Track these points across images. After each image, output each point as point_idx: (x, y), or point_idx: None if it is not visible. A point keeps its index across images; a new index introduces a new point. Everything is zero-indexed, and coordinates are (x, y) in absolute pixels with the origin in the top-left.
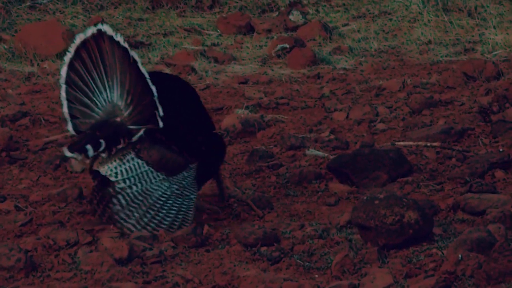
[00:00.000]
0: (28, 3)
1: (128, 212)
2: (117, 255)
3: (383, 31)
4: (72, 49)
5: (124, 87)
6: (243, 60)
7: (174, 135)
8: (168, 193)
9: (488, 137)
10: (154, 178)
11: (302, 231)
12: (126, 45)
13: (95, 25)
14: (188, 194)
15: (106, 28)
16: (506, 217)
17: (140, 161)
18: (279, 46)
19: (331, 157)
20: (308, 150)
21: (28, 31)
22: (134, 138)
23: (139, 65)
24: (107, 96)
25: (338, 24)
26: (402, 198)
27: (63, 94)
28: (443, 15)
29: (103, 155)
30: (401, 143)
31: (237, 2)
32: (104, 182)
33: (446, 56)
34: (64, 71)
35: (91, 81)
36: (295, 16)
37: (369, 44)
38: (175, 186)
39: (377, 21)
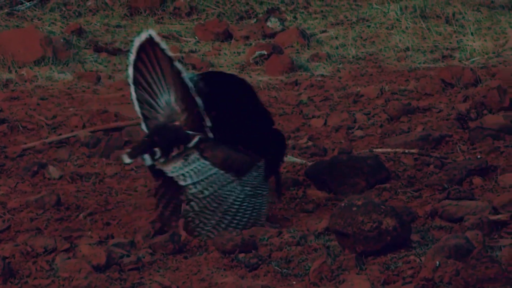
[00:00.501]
0: (6, 10)
1: (204, 220)
2: (95, 262)
3: (361, 38)
4: (133, 50)
5: (176, 93)
6: (221, 66)
7: (238, 135)
8: (242, 196)
9: (466, 144)
10: (225, 180)
11: (280, 237)
12: (170, 54)
13: (147, 29)
14: (260, 192)
15: (154, 34)
16: (483, 224)
17: (206, 162)
18: (257, 53)
19: (309, 163)
20: (286, 157)
21: (6, 37)
22: (190, 145)
23: (183, 75)
24: (167, 99)
25: (316, 31)
26: (380, 205)
27: (133, 93)
28: (421, 22)
29: (161, 160)
30: (379, 149)
31: (215, 9)
32: (168, 180)
33: (424, 63)
34: (130, 70)
35: (152, 83)
36: (273, 23)
37: (347, 51)
38: (247, 188)
39: (355, 28)
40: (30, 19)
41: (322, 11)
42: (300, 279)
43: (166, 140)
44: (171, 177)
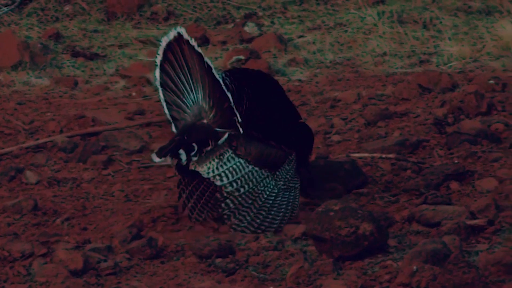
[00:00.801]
0: None
1: (240, 216)
2: (72, 266)
3: (338, 42)
4: (160, 51)
5: (205, 90)
6: None
7: (268, 130)
8: (276, 191)
9: (443, 149)
10: (260, 177)
11: (257, 242)
12: (200, 50)
13: (174, 28)
14: (293, 185)
15: (183, 32)
16: (461, 228)
17: (241, 160)
18: (234, 58)
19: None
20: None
21: None
22: (220, 142)
23: (214, 71)
24: (194, 98)
25: (293, 35)
26: (357, 209)
27: (161, 96)
28: (398, 27)
29: (194, 158)
30: (356, 154)
31: (192, 14)
32: (195, 177)
33: (401, 68)
34: (157, 73)
35: (180, 82)
36: (250, 28)
37: (324, 56)
38: (280, 182)
39: (332, 33)
40: (7, 24)
41: (299, 16)
42: (277, 284)
43: (196, 138)
44: (197, 173)
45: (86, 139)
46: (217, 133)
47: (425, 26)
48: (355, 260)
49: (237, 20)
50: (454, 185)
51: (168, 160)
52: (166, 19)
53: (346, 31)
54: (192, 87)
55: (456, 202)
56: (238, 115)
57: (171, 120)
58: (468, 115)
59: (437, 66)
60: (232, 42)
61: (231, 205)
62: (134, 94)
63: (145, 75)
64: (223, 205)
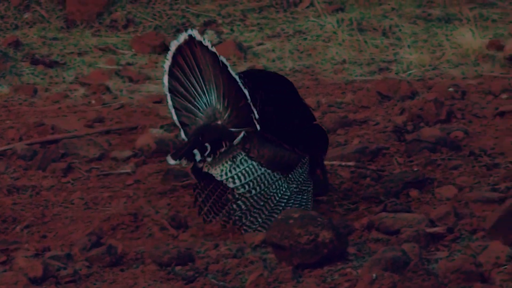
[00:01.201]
0: None
1: (251, 218)
2: (31, 274)
3: (298, 50)
4: (169, 56)
5: (219, 90)
6: (157, 79)
7: (283, 132)
8: (288, 193)
9: (402, 157)
10: (272, 180)
11: (216, 250)
12: (214, 49)
13: (186, 31)
14: (306, 188)
15: (195, 33)
16: (420, 236)
17: (254, 163)
18: None
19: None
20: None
21: None
22: (236, 141)
23: (229, 69)
24: (207, 100)
25: (253, 43)
26: (317, 217)
27: (169, 102)
28: (357, 35)
29: (208, 159)
30: None
31: (152, 22)
32: (212, 182)
33: (360, 76)
34: (166, 79)
35: (191, 86)
36: (209, 36)
37: (283, 64)
38: (293, 185)
39: (291, 41)
40: None
41: (258, 24)
42: None
43: (209, 139)
44: (211, 176)
45: (46, 146)
46: (231, 133)
47: (384, 34)
48: (315, 268)
49: (197, 28)
50: (413, 192)
51: (184, 163)
52: (125, 26)
53: (305, 38)
54: (205, 89)
55: (416, 209)
56: (255, 112)
57: (180, 126)
58: (428, 123)
59: (396, 73)
60: None
61: (243, 206)
62: (93, 101)
63: (105, 82)
64: (234, 206)
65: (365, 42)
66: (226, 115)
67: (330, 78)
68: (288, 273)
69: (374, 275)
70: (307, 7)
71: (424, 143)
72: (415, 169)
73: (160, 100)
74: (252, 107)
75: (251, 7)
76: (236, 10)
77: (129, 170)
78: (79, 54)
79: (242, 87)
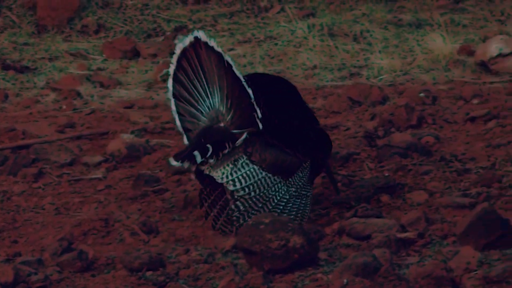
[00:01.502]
0: None
1: (248, 219)
2: (2, 279)
3: (269, 55)
4: (174, 60)
5: (223, 91)
6: (128, 84)
7: (285, 136)
8: (287, 196)
9: (373, 162)
10: (272, 183)
11: (187, 255)
12: (220, 49)
13: (192, 33)
14: (305, 192)
15: (201, 35)
16: (391, 241)
17: (255, 167)
18: (164, 71)
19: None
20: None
21: None
22: (238, 142)
23: (234, 69)
24: (210, 103)
25: (224, 48)
26: (288, 222)
27: (173, 108)
28: (328, 40)
29: (211, 161)
30: None
31: (123, 27)
32: (216, 185)
33: (331, 81)
34: (170, 83)
35: (195, 90)
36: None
37: (254, 69)
38: (292, 188)
39: (262, 46)
40: None
41: (229, 29)
42: None
43: (211, 140)
44: (214, 179)
45: (17, 152)
46: (233, 135)
47: (355, 39)
48: (286, 273)
49: (168, 33)
50: (384, 198)
51: (186, 165)
52: (96, 32)
53: (276, 44)
54: (208, 92)
55: (387, 215)
56: (258, 111)
57: (183, 132)
58: (399, 128)
59: (367, 79)
60: (163, 55)
61: (241, 207)
62: (64, 107)
63: (76, 88)
64: (233, 206)
65: (336, 47)
66: (229, 117)
67: (301, 83)
68: (259, 278)
69: (345, 280)
70: (278, 12)
71: (395, 149)
72: (386, 175)
73: (131, 106)
74: (256, 106)
75: (222, 12)
76: (207, 15)
77: (100, 176)
78: (50, 60)
79: (246, 87)
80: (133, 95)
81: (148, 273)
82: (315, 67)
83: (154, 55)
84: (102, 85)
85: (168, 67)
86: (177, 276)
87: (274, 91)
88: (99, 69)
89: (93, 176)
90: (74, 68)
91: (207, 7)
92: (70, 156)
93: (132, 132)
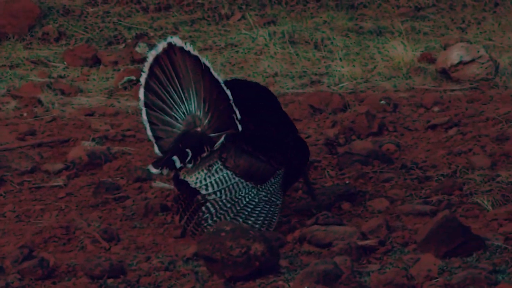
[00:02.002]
0: None
1: (217, 220)
2: None
3: (230, 63)
4: (146, 68)
5: (200, 96)
6: (89, 92)
7: (260, 143)
8: (256, 200)
9: (334, 169)
10: (244, 188)
11: (148, 263)
12: (196, 53)
13: (165, 39)
14: (275, 200)
15: (176, 40)
16: (352, 249)
17: (228, 172)
18: (125, 78)
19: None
20: (155, 182)
21: None
22: (216, 146)
23: (212, 71)
24: (186, 108)
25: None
26: (249, 230)
27: (144, 117)
28: (289, 48)
29: (189, 165)
30: None
31: (84, 34)
32: (190, 191)
33: (292, 88)
34: (141, 93)
35: (169, 97)
36: (141, 48)
37: None
38: (262, 192)
39: (223, 53)
40: None
41: (190, 37)
42: None
43: (190, 145)
44: (191, 186)
45: None
46: (211, 139)
47: (316, 47)
48: (247, 281)
49: (129, 41)
50: (345, 205)
51: (165, 172)
52: (57, 39)
53: (237, 51)
54: (183, 98)
55: (348, 222)
56: (237, 112)
57: (154, 141)
58: (359, 136)
59: (328, 86)
60: (124, 62)
61: (211, 208)
62: (25, 114)
63: (37, 95)
64: (203, 208)
65: (297, 55)
66: (206, 121)
67: None
68: (220, 286)
69: (306, 287)
70: (239, 20)
71: (356, 156)
72: (347, 182)
73: (92, 113)
74: (234, 108)
75: (183, 20)
76: (168, 22)
77: (61, 183)
78: (11, 67)
79: (224, 88)
80: (94, 103)
81: (109, 281)
82: (276, 74)
83: (115, 63)
84: (63, 92)
85: (129, 74)
86: (138, 283)
87: (252, 97)
88: (60, 76)
89: (54, 184)
90: (35, 76)
91: (168, 15)
92: (31, 163)
93: (93, 140)
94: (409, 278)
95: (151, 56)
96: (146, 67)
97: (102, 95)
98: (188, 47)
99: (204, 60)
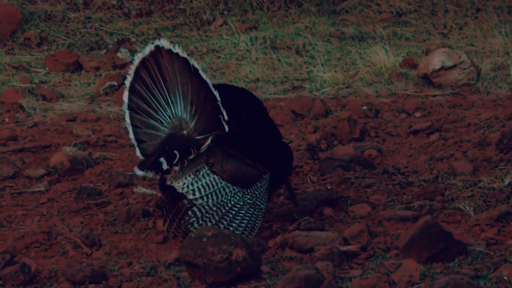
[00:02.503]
0: None
1: (202, 222)
2: None
3: (212, 68)
4: (131, 70)
5: (187, 98)
6: (71, 97)
7: (247, 147)
8: (241, 203)
9: (316, 175)
10: (230, 192)
11: (130, 268)
12: (185, 55)
13: (152, 42)
14: (259, 204)
15: (163, 42)
16: (334, 254)
17: (215, 177)
18: (107, 84)
19: (160, 195)
20: (136, 187)
21: None
22: (203, 148)
23: (200, 72)
24: (172, 112)
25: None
26: (230, 235)
27: (127, 120)
28: (271, 53)
29: (176, 168)
30: None
31: (65, 40)
32: (176, 195)
33: (274, 94)
34: (126, 96)
35: (154, 100)
36: (123, 54)
37: None
38: (248, 196)
39: (205, 59)
40: None
41: (172, 42)
42: None
43: (177, 147)
44: (180, 193)
45: None
46: (198, 141)
47: (298, 52)
48: (228, 286)
49: (110, 46)
50: (327, 211)
51: (151, 174)
52: (39, 45)
53: (219, 57)
54: (170, 101)
55: (329, 228)
56: (224, 113)
57: (136, 144)
58: (341, 141)
59: (310, 92)
60: (105, 68)
61: (197, 212)
62: (7, 120)
63: (18, 101)
64: (189, 212)
65: (279, 60)
66: (193, 123)
67: None
68: None
69: None
70: (221, 25)
71: (338, 162)
72: (329, 187)
73: (74, 119)
74: (222, 109)
75: (165, 25)
76: (150, 28)
77: (42, 189)
78: None
79: (212, 89)
80: (75, 108)
81: (91, 286)
82: (257, 80)
83: (97, 68)
84: (44, 98)
85: (111, 80)
86: None
87: (238, 101)
88: (42, 82)
89: (36, 189)
90: (17, 81)
91: (149, 20)
92: (12, 169)
93: (74, 145)
94: (391, 284)
95: (137, 58)
96: (132, 69)
97: (83, 100)
98: (177, 49)
99: (193, 61)
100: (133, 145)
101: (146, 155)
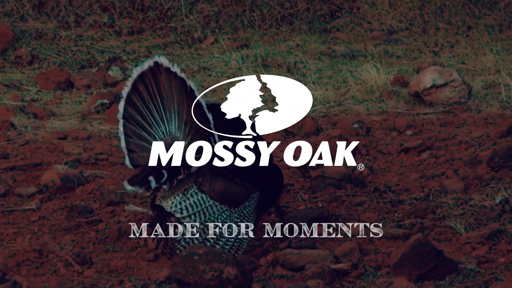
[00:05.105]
0: None
1: (189, 241)
2: None
3: (203, 87)
4: (129, 83)
5: (181, 118)
6: (62, 115)
7: (236, 166)
8: (228, 222)
9: (307, 193)
10: (218, 210)
11: (121, 286)
12: (183, 75)
13: (151, 57)
14: (245, 222)
15: (162, 60)
16: (325, 272)
17: (203, 196)
18: (98, 102)
19: (151, 212)
20: (128, 205)
21: None
22: (193, 168)
23: (196, 94)
24: (166, 128)
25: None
26: (222, 253)
27: (120, 128)
28: (262, 71)
29: (165, 186)
30: None
31: (57, 58)
32: (164, 214)
33: None
34: (121, 105)
35: (149, 114)
36: (114, 72)
37: None
38: (235, 215)
39: (196, 77)
40: None
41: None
42: None
43: (167, 166)
44: (165, 210)
45: None
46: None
47: (289, 70)
48: None
49: (101, 64)
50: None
51: (140, 190)
52: (30, 63)
53: (210, 75)
54: (164, 118)
55: (320, 246)
56: (216, 137)
57: (126, 152)
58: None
59: None
60: (96, 86)
61: (184, 230)
62: None
63: (9, 119)
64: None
65: None
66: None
67: None
68: None
69: None
70: (212, 43)
71: (329, 180)
72: (320, 206)
73: (65, 137)
74: (214, 132)
75: (156, 43)
76: (141, 46)
77: (34, 207)
78: None
79: (207, 112)
80: (67, 126)
81: None
82: None
83: (88, 86)
84: (36, 116)
85: (102, 98)
86: None
87: (229, 122)
88: (33, 100)
89: (27, 207)
90: (8, 99)
91: (141, 38)
92: (3, 187)
93: (66, 163)
94: None
95: (135, 72)
96: (129, 82)
97: (75, 118)
98: (175, 69)
99: (190, 83)
100: (123, 163)
101: (135, 165)
